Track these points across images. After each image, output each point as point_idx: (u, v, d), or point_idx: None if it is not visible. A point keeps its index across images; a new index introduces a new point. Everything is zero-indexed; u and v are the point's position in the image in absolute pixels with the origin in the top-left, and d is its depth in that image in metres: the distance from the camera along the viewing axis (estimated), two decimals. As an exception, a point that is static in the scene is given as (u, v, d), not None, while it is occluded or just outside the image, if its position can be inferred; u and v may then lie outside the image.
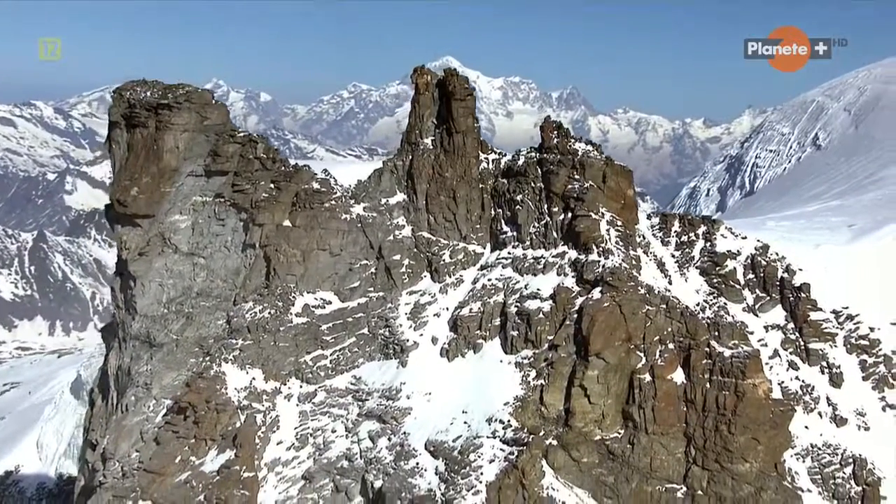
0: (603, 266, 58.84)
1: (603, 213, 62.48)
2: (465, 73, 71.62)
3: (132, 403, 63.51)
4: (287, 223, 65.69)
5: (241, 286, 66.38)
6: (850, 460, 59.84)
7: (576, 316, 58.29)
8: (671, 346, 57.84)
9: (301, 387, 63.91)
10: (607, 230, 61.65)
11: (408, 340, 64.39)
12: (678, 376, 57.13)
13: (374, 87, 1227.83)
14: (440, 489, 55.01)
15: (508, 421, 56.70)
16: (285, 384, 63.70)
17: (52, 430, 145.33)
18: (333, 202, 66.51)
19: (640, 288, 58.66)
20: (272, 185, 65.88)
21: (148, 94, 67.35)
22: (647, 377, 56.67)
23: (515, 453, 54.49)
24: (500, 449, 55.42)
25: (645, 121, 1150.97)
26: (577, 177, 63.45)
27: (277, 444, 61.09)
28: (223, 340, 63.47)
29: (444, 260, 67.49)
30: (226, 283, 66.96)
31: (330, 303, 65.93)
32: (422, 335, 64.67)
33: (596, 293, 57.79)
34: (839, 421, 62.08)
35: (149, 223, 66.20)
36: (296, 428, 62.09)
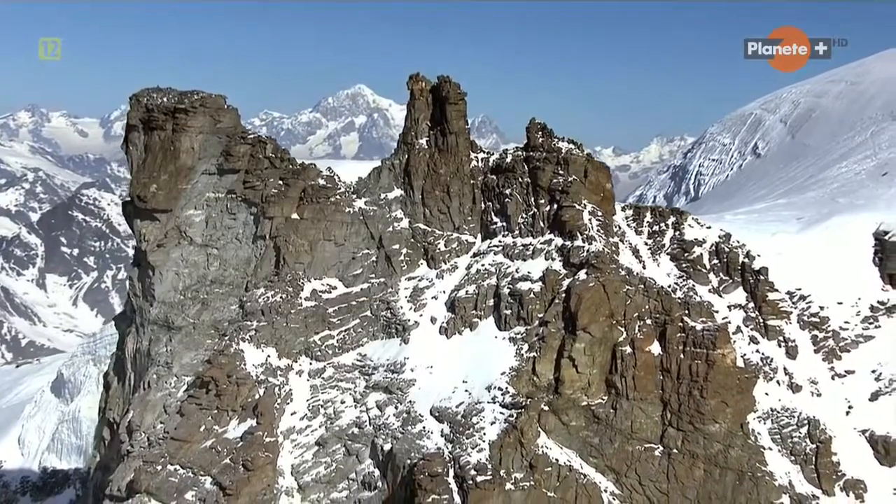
0: (587, 251, 65.11)
1: (585, 205, 68.76)
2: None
3: (154, 381, 68.63)
4: (295, 216, 70.94)
5: (252, 274, 71.66)
6: (805, 422, 66.55)
7: (564, 295, 64.19)
8: (649, 321, 64.17)
9: (311, 363, 69.33)
10: (589, 219, 67.94)
11: (409, 320, 69.90)
12: (655, 348, 63.30)
13: (285, 115, 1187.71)
14: (447, 448, 60.60)
15: (506, 388, 62.35)
16: (296, 361, 69.14)
17: (35, 427, 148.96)
18: (338, 197, 72.07)
19: (620, 270, 65.16)
20: (281, 182, 71.24)
21: (164, 99, 72.68)
22: (628, 349, 62.69)
23: (514, 415, 60.08)
24: (500, 412, 61.00)
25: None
26: (561, 172, 69.78)
27: (291, 414, 66.38)
28: (238, 322, 68.78)
29: (439, 248, 73.24)
30: (237, 272, 72.26)
31: (335, 288, 71.46)
32: (421, 316, 70.25)
33: (582, 275, 63.96)
34: (795, 388, 69.03)
35: (166, 217, 71.42)
36: (308, 400, 67.45)
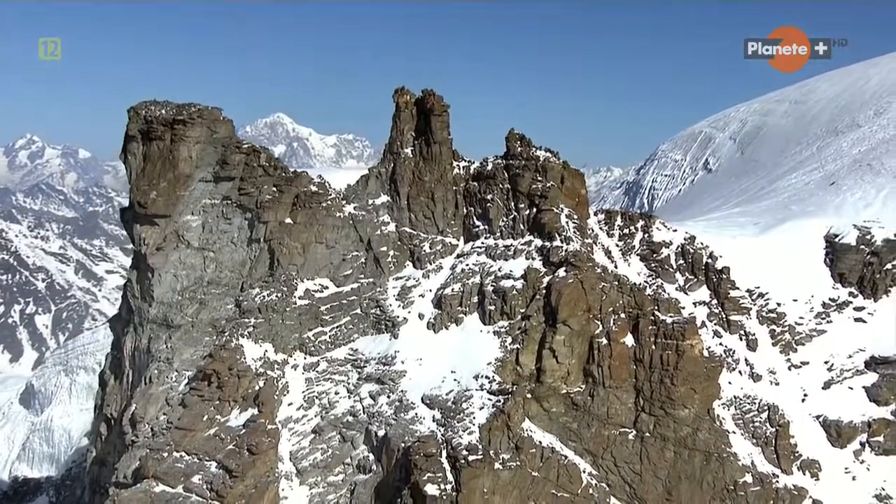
0: (566, 250, 70.19)
1: (562, 208, 73.84)
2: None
3: (155, 376, 71.85)
4: (289, 220, 74.74)
5: (247, 275, 75.32)
6: (765, 408, 72.16)
7: (544, 291, 69.07)
8: (623, 315, 69.34)
9: (305, 358, 73.25)
10: (566, 222, 72.99)
11: (398, 317, 74.19)
12: (629, 340, 68.36)
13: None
14: (439, 431, 64.81)
15: (493, 376, 66.91)
16: (292, 356, 73.02)
17: (4, 438, 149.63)
18: (329, 202, 76.11)
19: (596, 268, 70.34)
20: (275, 188, 74.96)
21: (163, 111, 76.06)
22: (604, 341, 67.64)
23: (502, 400, 64.71)
24: (488, 398, 65.51)
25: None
26: (539, 178, 74.82)
27: (288, 405, 70.20)
28: (236, 320, 72.47)
29: (424, 250, 77.62)
30: (233, 273, 75.84)
31: (327, 287, 75.43)
32: (410, 312, 74.53)
33: (561, 272, 68.90)
34: (755, 377, 74.73)
35: (165, 222, 74.71)
36: (303, 392, 71.26)
